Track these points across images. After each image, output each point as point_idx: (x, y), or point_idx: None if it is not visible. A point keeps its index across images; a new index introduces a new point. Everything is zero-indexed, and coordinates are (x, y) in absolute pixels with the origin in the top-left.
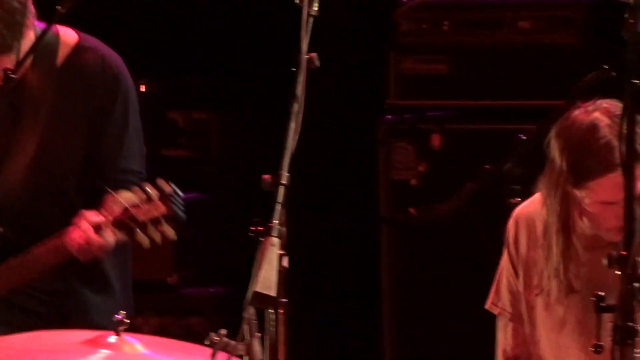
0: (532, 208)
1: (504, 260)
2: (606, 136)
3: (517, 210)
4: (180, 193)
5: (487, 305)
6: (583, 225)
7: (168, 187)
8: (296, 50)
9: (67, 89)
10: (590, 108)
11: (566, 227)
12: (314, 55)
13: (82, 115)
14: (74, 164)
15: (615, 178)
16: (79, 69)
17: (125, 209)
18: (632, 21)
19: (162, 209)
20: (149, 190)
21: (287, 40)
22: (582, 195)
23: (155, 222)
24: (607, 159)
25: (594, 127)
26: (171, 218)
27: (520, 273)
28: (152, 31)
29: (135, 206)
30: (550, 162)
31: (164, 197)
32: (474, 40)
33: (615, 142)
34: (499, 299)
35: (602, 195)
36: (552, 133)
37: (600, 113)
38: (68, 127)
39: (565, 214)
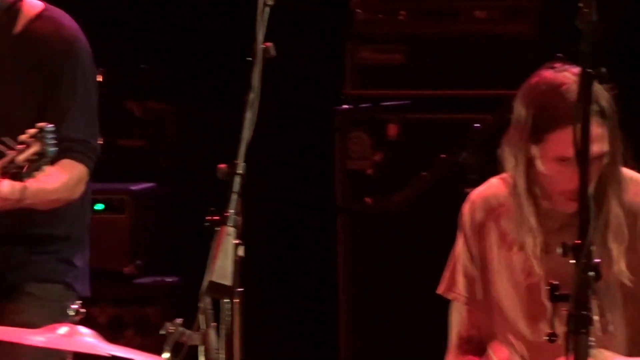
0: (488, 191)
1: (459, 245)
2: (571, 92)
3: (473, 194)
4: (49, 128)
5: (441, 291)
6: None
7: (40, 125)
8: (252, 39)
9: (21, 57)
10: (560, 68)
11: (533, 188)
12: (270, 44)
13: (35, 83)
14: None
15: (573, 131)
16: (34, 38)
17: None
18: (586, 11)
19: (36, 147)
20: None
21: (243, 29)
22: (538, 152)
23: (32, 161)
24: (567, 112)
25: (560, 84)
26: (42, 154)
27: (477, 255)
28: (110, 21)
29: (14, 149)
30: (514, 122)
31: (35, 135)
32: (430, 29)
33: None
34: (454, 284)
35: (558, 149)
36: (519, 92)
37: (569, 73)
38: (21, 94)
39: (530, 175)
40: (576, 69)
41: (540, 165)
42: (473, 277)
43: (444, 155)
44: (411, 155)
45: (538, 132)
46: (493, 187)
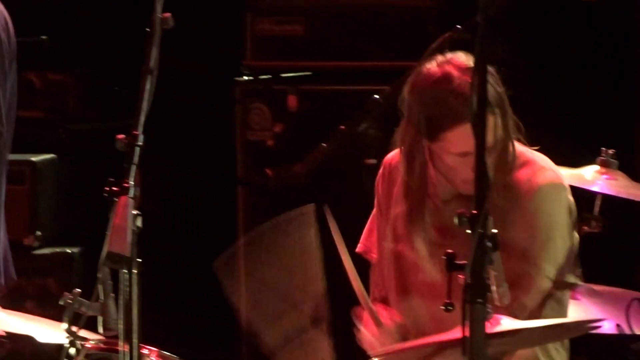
0: (398, 154)
1: (375, 207)
2: (458, 88)
3: (386, 159)
4: None
5: (358, 249)
6: (439, 180)
7: None
8: (150, 10)
9: None
10: (441, 61)
11: (424, 183)
12: (168, 15)
13: None
14: None
15: (469, 129)
16: None
17: None
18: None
19: None
20: None
21: (143, 0)
22: (438, 148)
23: None
24: (459, 110)
25: (446, 80)
26: None
27: (390, 220)
28: None
29: None
30: (405, 119)
31: None
32: (329, 1)
33: (467, 93)
34: (369, 241)
35: (457, 146)
36: (405, 89)
37: (452, 66)
38: None
39: (422, 170)
40: (458, 60)
41: (438, 159)
42: (386, 239)
43: (344, 127)
44: (311, 126)
45: (434, 131)
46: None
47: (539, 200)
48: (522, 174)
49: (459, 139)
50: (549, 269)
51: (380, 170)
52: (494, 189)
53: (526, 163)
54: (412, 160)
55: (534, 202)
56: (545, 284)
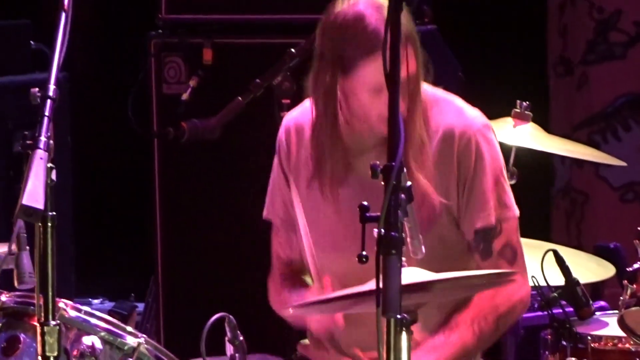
0: (301, 114)
1: (275, 169)
2: (371, 23)
3: (286, 118)
4: None
5: (264, 215)
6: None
7: None
8: None
9: None
10: (352, 1)
11: (335, 125)
12: None
13: None
14: None
15: (381, 59)
16: None
17: None
18: None
19: None
20: None
21: None
22: (350, 85)
23: None
24: (372, 42)
25: (358, 16)
26: None
27: (292, 180)
28: None
29: None
30: (317, 59)
31: None
32: None
33: (380, 27)
34: (272, 206)
35: (369, 80)
36: (317, 30)
37: (363, 4)
38: None
39: (333, 111)
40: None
41: (353, 97)
42: (289, 201)
43: (259, 80)
44: (226, 80)
45: (346, 66)
46: (306, 110)
47: (480, 146)
48: (446, 119)
49: (370, 73)
50: (511, 204)
51: (283, 133)
52: (412, 129)
53: (440, 102)
54: (325, 104)
55: (475, 149)
56: (516, 219)
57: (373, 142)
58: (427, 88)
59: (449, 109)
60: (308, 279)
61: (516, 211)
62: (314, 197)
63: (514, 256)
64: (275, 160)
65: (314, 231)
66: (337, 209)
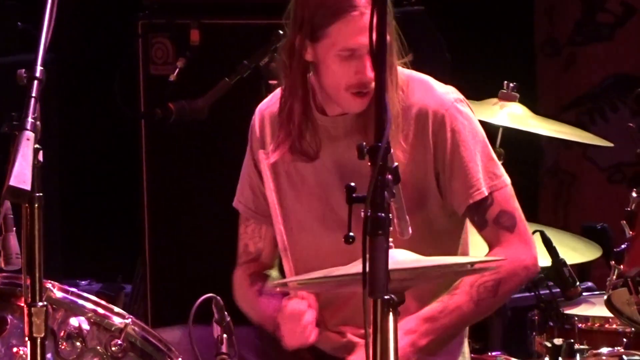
0: (274, 103)
1: (247, 158)
2: None
3: (260, 107)
4: None
5: (234, 203)
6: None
7: None
8: None
9: None
10: None
11: (306, 96)
12: None
13: None
14: None
15: (352, 21)
16: None
17: None
18: None
19: None
20: None
21: None
22: (320, 51)
23: None
24: (339, 5)
25: None
26: None
27: (265, 170)
28: None
29: None
30: (290, 28)
31: None
32: None
33: None
34: (242, 195)
35: (340, 41)
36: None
37: None
38: None
39: (303, 80)
40: None
41: (323, 65)
42: (259, 191)
43: (246, 61)
44: (213, 60)
45: (316, 29)
46: (279, 100)
47: (457, 122)
48: (418, 95)
49: (342, 33)
50: (501, 171)
51: (257, 123)
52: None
53: (413, 81)
54: (295, 72)
55: (453, 125)
56: (510, 185)
57: (344, 130)
58: (399, 68)
59: (420, 88)
60: (274, 273)
61: (506, 179)
62: (295, 183)
63: (513, 223)
64: (248, 151)
65: (288, 216)
66: (309, 192)
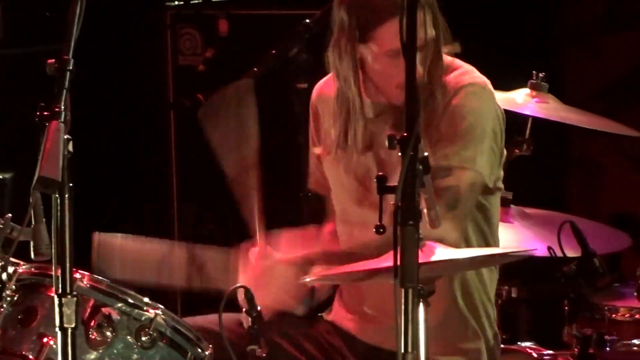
0: (326, 85)
1: (311, 137)
2: None
3: (317, 86)
4: None
5: (310, 185)
6: (371, 91)
7: None
8: None
9: None
10: None
11: (358, 94)
12: None
13: None
14: None
15: (397, 23)
16: None
17: None
18: None
19: None
20: None
21: None
22: (369, 50)
23: None
24: (386, 6)
25: None
26: None
27: (323, 147)
28: None
29: None
30: (337, 28)
31: None
32: None
33: None
34: (312, 176)
35: (386, 43)
36: (334, 3)
37: None
38: None
39: (355, 80)
40: None
41: (372, 64)
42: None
43: (274, 51)
44: (242, 51)
45: (364, 31)
46: (331, 82)
47: (464, 97)
48: (449, 78)
49: (388, 36)
50: (480, 163)
51: (315, 99)
52: (431, 97)
53: (453, 68)
54: (347, 73)
55: (459, 98)
56: (478, 179)
57: (392, 119)
58: (449, 58)
59: (455, 72)
60: None
61: (481, 169)
62: (335, 166)
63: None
64: (310, 128)
65: (335, 197)
66: (355, 179)
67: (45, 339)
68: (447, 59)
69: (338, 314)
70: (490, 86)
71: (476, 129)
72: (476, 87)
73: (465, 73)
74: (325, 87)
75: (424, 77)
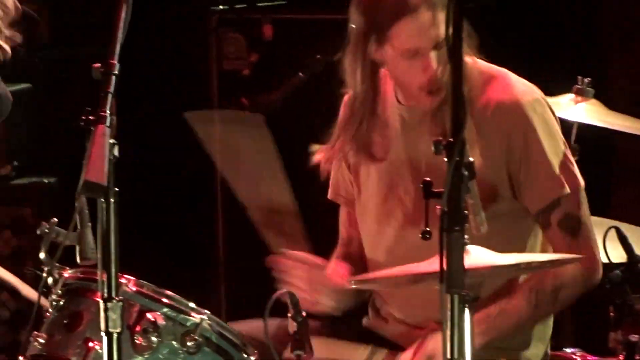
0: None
1: (336, 146)
2: None
3: (348, 96)
4: None
5: (330, 196)
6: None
7: None
8: None
9: None
10: None
11: (374, 99)
12: None
13: None
14: None
15: (410, 23)
16: None
17: None
18: None
19: None
20: None
21: None
22: (385, 54)
23: None
24: (400, 6)
25: None
26: None
27: (351, 155)
28: None
29: None
30: (353, 33)
31: None
32: None
33: None
34: (336, 185)
35: (402, 42)
36: (351, 6)
37: None
38: None
39: (371, 84)
40: None
41: (391, 66)
42: (345, 176)
43: (319, 56)
44: (287, 55)
45: (379, 32)
46: None
47: (535, 118)
48: (496, 91)
49: (403, 35)
50: (577, 173)
51: (342, 109)
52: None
53: (494, 77)
54: (362, 77)
55: (527, 119)
56: (583, 190)
57: (418, 119)
58: (481, 63)
59: (500, 84)
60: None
61: (580, 181)
62: (373, 174)
63: (577, 228)
64: (337, 138)
65: (371, 206)
66: (378, 180)
67: (90, 344)
68: (483, 65)
69: (377, 320)
70: (538, 92)
71: (559, 147)
72: (535, 104)
73: (512, 87)
74: None
75: (442, 75)
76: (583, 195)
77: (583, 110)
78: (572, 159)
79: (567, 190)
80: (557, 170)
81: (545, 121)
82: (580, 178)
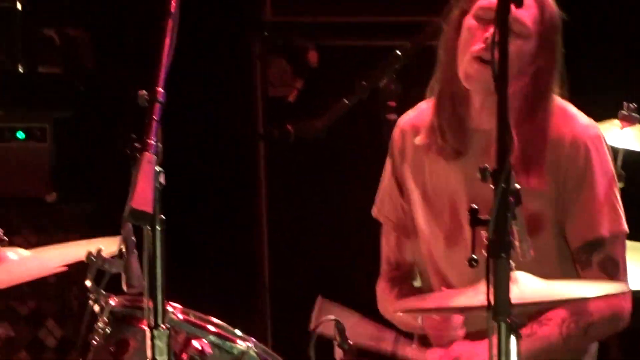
0: (416, 116)
1: (387, 171)
2: None
3: (401, 120)
4: None
5: (374, 213)
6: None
7: None
8: None
9: None
10: None
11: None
12: None
13: None
14: None
15: None
16: None
17: None
18: None
19: None
20: None
21: None
22: (466, 19)
23: None
24: None
25: None
26: None
27: (403, 182)
28: None
29: None
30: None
31: None
32: None
33: None
34: (383, 206)
35: (480, 4)
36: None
37: None
38: None
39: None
40: None
41: (463, 31)
42: (399, 204)
43: (364, 82)
44: (331, 82)
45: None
46: (422, 112)
47: (595, 154)
48: (559, 125)
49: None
50: (622, 217)
51: (398, 135)
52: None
53: (557, 110)
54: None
55: (588, 155)
56: (625, 236)
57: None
58: (556, 98)
59: (560, 115)
60: (416, 283)
61: (625, 227)
62: (427, 198)
63: (616, 271)
64: (388, 163)
65: (431, 229)
66: (441, 205)
67: None
68: (559, 101)
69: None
70: (599, 128)
71: (611, 187)
72: (596, 141)
73: (574, 121)
74: (415, 119)
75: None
76: (625, 239)
77: (629, 136)
78: (620, 202)
79: (610, 232)
80: (604, 211)
81: (604, 160)
82: (624, 222)
